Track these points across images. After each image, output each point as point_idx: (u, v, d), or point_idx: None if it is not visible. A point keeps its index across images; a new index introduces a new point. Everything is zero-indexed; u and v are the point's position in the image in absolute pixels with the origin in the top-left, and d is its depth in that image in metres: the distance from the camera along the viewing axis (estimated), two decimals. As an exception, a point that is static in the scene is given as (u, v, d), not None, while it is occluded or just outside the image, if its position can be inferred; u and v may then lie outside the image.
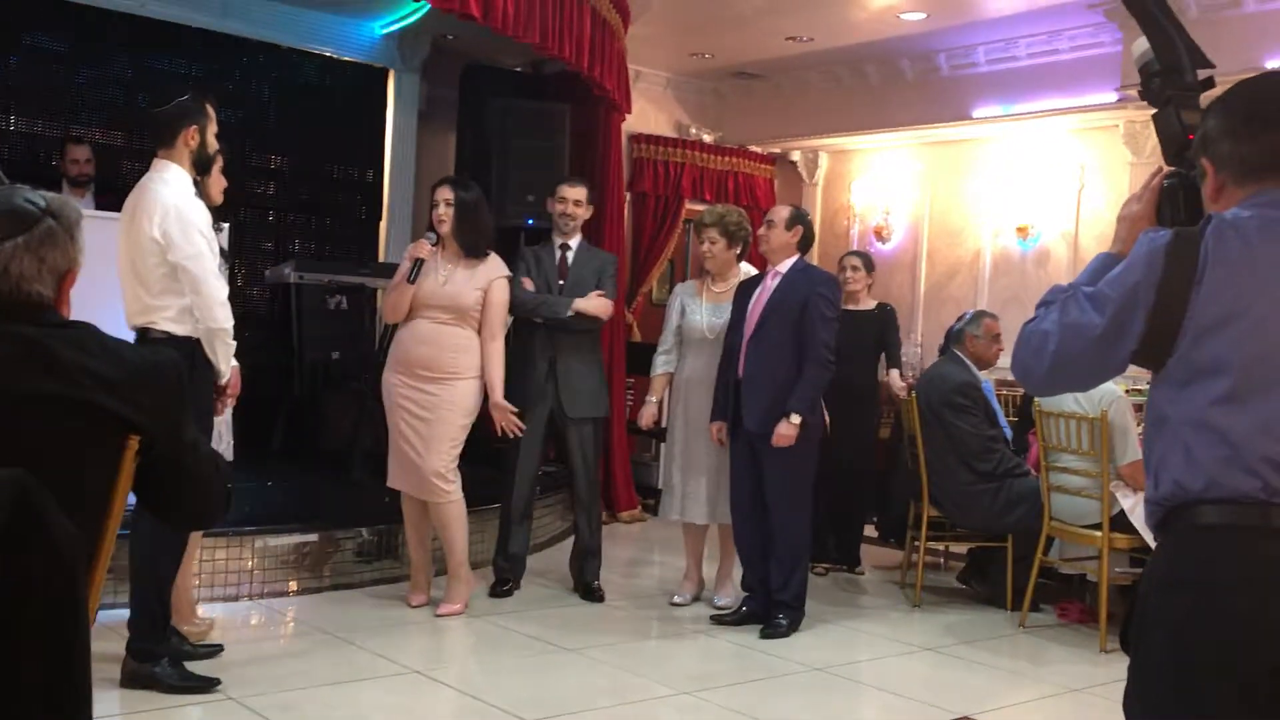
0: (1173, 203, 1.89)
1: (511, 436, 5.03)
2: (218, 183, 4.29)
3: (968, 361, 5.64)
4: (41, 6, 6.90)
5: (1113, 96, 7.37)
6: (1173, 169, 1.94)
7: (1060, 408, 5.09)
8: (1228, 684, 1.64)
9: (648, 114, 9.26)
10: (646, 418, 5.46)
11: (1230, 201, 1.78)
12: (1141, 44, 2.03)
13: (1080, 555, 5.30)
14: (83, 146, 6.68)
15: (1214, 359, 1.70)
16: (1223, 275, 1.69)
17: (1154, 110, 2.03)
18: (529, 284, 5.29)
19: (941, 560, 6.57)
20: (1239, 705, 1.64)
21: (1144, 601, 1.77)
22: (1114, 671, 4.59)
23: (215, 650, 4.17)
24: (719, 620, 5.07)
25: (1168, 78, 2.00)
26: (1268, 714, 1.63)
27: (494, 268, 4.97)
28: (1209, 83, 2.00)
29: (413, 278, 4.84)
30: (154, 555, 3.78)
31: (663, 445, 8.03)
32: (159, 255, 3.76)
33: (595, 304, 5.29)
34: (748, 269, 5.38)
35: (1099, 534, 4.95)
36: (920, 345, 8.47)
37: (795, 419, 4.74)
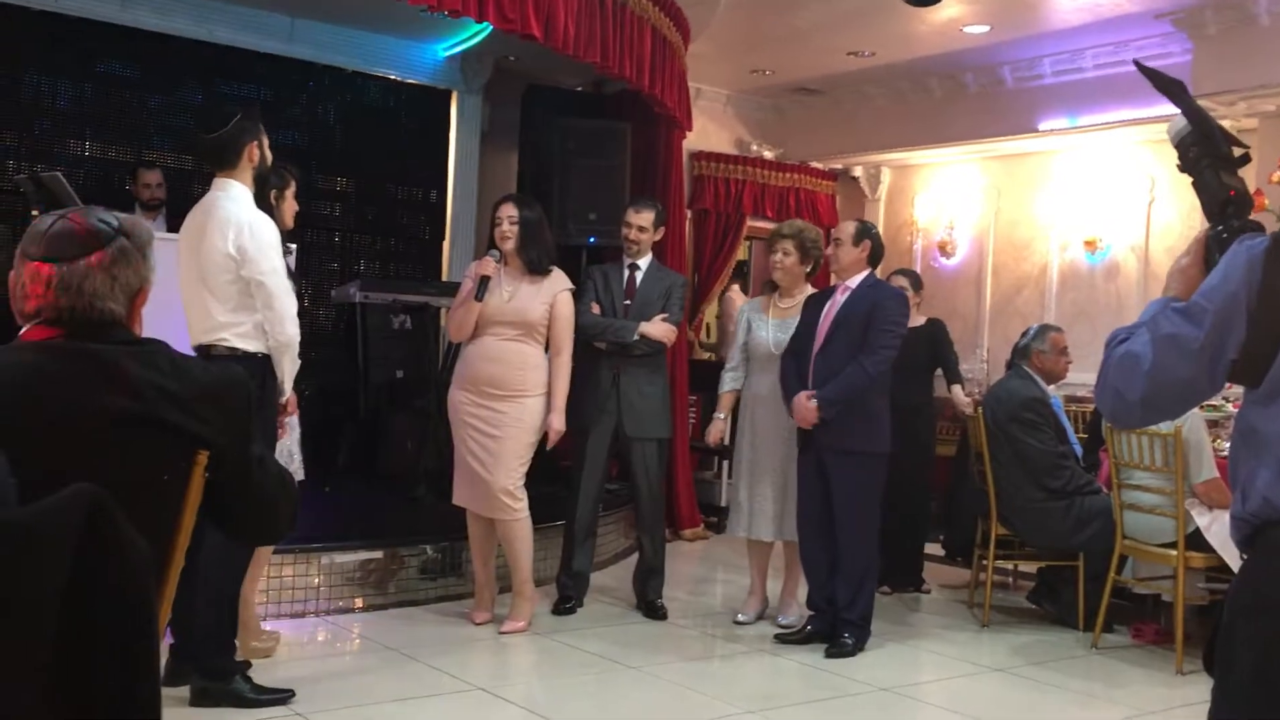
0: (1221, 248, 1.87)
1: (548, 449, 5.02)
2: (290, 207, 4.35)
3: (1035, 377, 5.55)
4: (112, 36, 7.08)
5: (1183, 107, 7.24)
6: (1218, 225, 1.94)
7: (1132, 423, 4.98)
8: None
9: (708, 131, 9.27)
10: (714, 435, 5.45)
11: None
12: (1178, 122, 2.06)
13: (1155, 574, 5.18)
14: (154, 171, 6.83)
15: None
16: None
17: (1193, 179, 2.04)
18: (595, 308, 5.31)
19: (1010, 579, 6.45)
20: None
21: (1230, 621, 1.71)
22: (1191, 694, 4.48)
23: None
24: (784, 639, 5.02)
25: (1203, 146, 2.01)
26: None
27: (558, 282, 4.99)
28: (1245, 159, 2.01)
29: (479, 295, 4.86)
30: (221, 570, 3.80)
31: (726, 462, 8.03)
32: (233, 271, 3.78)
33: (660, 329, 5.29)
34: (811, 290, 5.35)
35: (1174, 553, 4.83)
36: (986, 360, 8.37)
37: (813, 403, 4.74)
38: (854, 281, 4.98)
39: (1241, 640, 1.69)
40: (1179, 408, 1.85)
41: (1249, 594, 1.71)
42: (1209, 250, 1.91)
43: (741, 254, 9.69)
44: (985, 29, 7.54)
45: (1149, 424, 1.96)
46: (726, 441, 5.74)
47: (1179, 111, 2.04)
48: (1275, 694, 1.63)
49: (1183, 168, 2.07)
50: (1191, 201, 7.63)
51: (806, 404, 4.79)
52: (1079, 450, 5.71)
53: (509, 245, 4.92)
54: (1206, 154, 2.00)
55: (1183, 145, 2.05)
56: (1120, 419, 1.91)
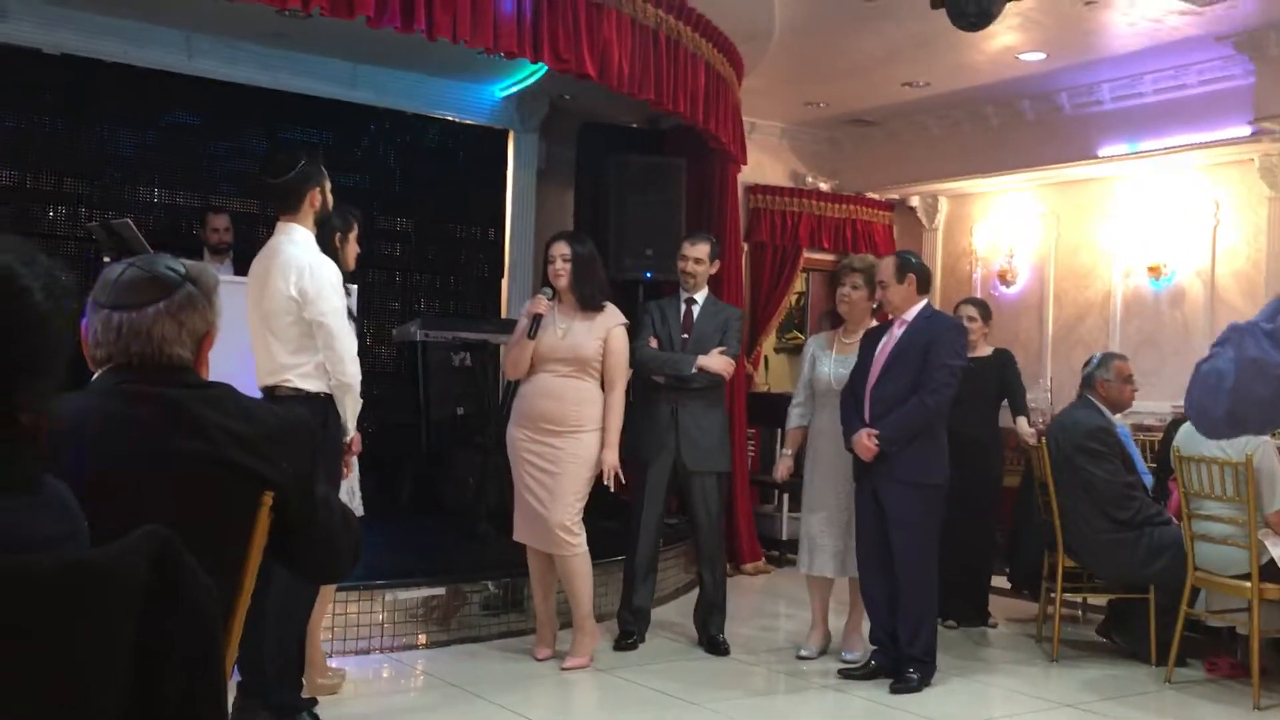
0: None
1: (611, 487, 5.02)
2: (353, 249, 4.43)
3: (1100, 406, 5.46)
4: (180, 85, 7.27)
5: (1246, 130, 7.13)
6: None
7: (1200, 452, 4.89)
8: None
9: (763, 164, 9.28)
10: (782, 471, 5.43)
11: None
12: None
13: (1228, 607, 5.06)
14: (222, 215, 6.98)
15: None
16: None
17: None
18: (653, 342, 5.33)
19: (1079, 612, 6.33)
20: None
21: None
22: (1270, 730, 4.36)
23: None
24: (848, 674, 4.97)
25: None
26: None
27: (611, 317, 5.02)
28: None
29: (532, 333, 4.91)
30: (288, 608, 3.84)
31: (786, 496, 7.98)
32: (295, 313, 3.85)
33: (718, 362, 5.29)
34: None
35: (1248, 584, 4.72)
36: (1050, 390, 8.25)
37: (873, 441, 4.71)
38: (910, 315, 4.94)
39: None
40: (1264, 426, 1.87)
41: None
42: None
43: (799, 286, 9.67)
44: (1041, 56, 7.49)
45: (1237, 436, 1.95)
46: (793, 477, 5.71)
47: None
48: None
49: None
50: (1257, 225, 7.54)
51: (867, 442, 4.76)
52: (1149, 480, 5.61)
53: (562, 282, 4.96)
54: None
55: None
56: (1207, 432, 1.96)
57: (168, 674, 1.23)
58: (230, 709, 3.80)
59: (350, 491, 4.35)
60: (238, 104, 7.50)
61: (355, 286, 4.71)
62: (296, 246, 3.91)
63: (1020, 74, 7.88)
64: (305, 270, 3.85)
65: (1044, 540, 5.61)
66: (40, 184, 7.11)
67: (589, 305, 4.97)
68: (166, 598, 1.19)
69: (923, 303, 4.99)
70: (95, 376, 1.95)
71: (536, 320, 4.92)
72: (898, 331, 4.93)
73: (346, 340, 3.90)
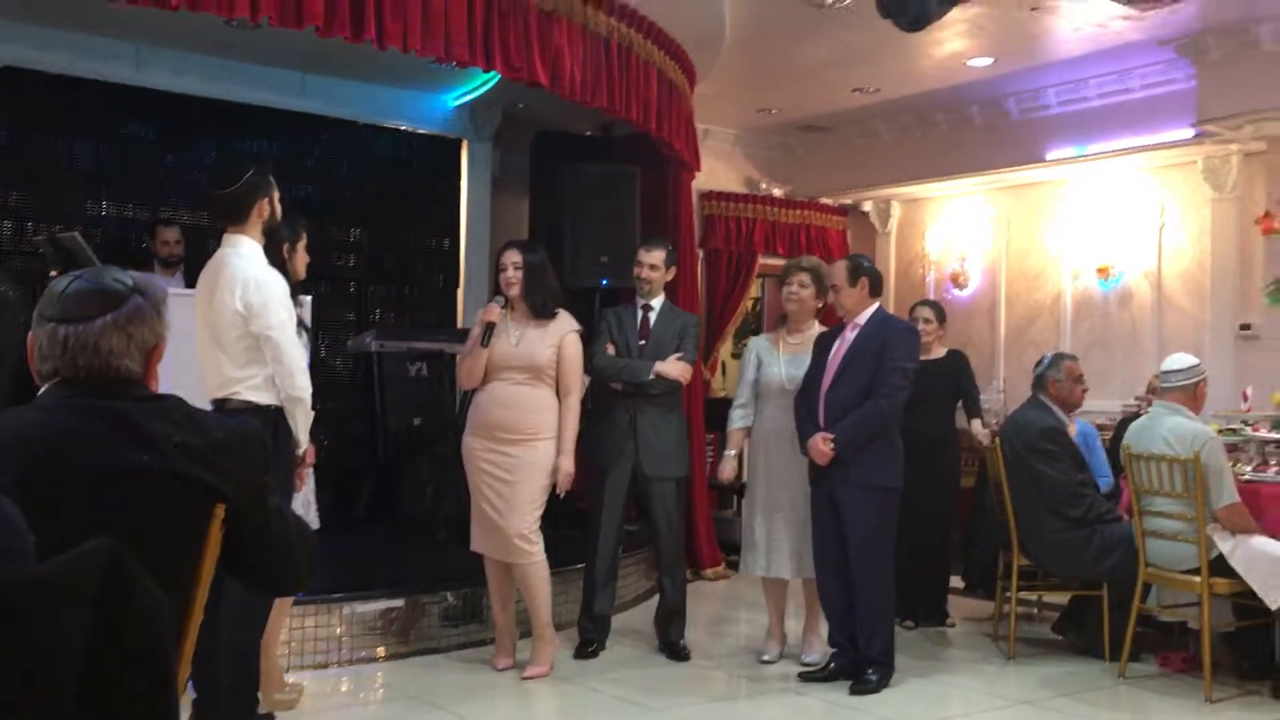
0: None
1: (560, 495, 5.02)
2: (302, 259, 4.40)
3: (1052, 406, 5.54)
4: (128, 97, 7.19)
5: (1189, 133, 7.26)
6: None
7: (1150, 450, 4.96)
8: None
9: (717, 171, 9.33)
10: (727, 472, 5.44)
11: None
12: None
13: (1179, 602, 5.14)
14: (172, 228, 6.91)
15: None
16: None
17: None
18: (610, 349, 5.34)
19: (1035, 610, 6.41)
20: None
21: None
22: (1221, 722, 4.43)
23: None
24: (807, 677, 4.99)
25: None
26: None
27: (564, 324, 5.02)
28: None
29: (485, 342, 4.91)
30: (241, 622, 3.80)
31: (743, 500, 8.01)
32: (241, 327, 3.83)
33: (675, 368, 5.30)
34: (819, 328, 5.36)
35: (1198, 579, 4.80)
36: (1003, 391, 8.35)
37: (828, 445, 4.75)
38: (862, 318, 4.98)
39: None
40: None
41: None
42: None
43: (754, 292, 9.72)
44: (989, 61, 7.59)
45: None
46: (742, 479, 5.73)
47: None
48: None
49: None
50: (1201, 226, 7.68)
51: (822, 446, 4.79)
52: (1109, 481, 5.67)
53: (514, 291, 4.96)
54: None
55: None
56: None
57: (119, 688, 1.21)
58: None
59: (305, 504, 4.32)
60: (187, 116, 7.42)
61: (309, 298, 4.68)
62: (242, 259, 3.88)
63: (968, 80, 7.98)
64: (250, 283, 3.82)
65: (998, 539, 5.68)
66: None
67: (541, 313, 4.97)
68: (116, 610, 1.18)
69: (875, 306, 5.03)
70: (41, 390, 1.94)
71: (489, 329, 4.91)
72: (850, 335, 4.97)
73: (295, 353, 3.88)
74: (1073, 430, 5.72)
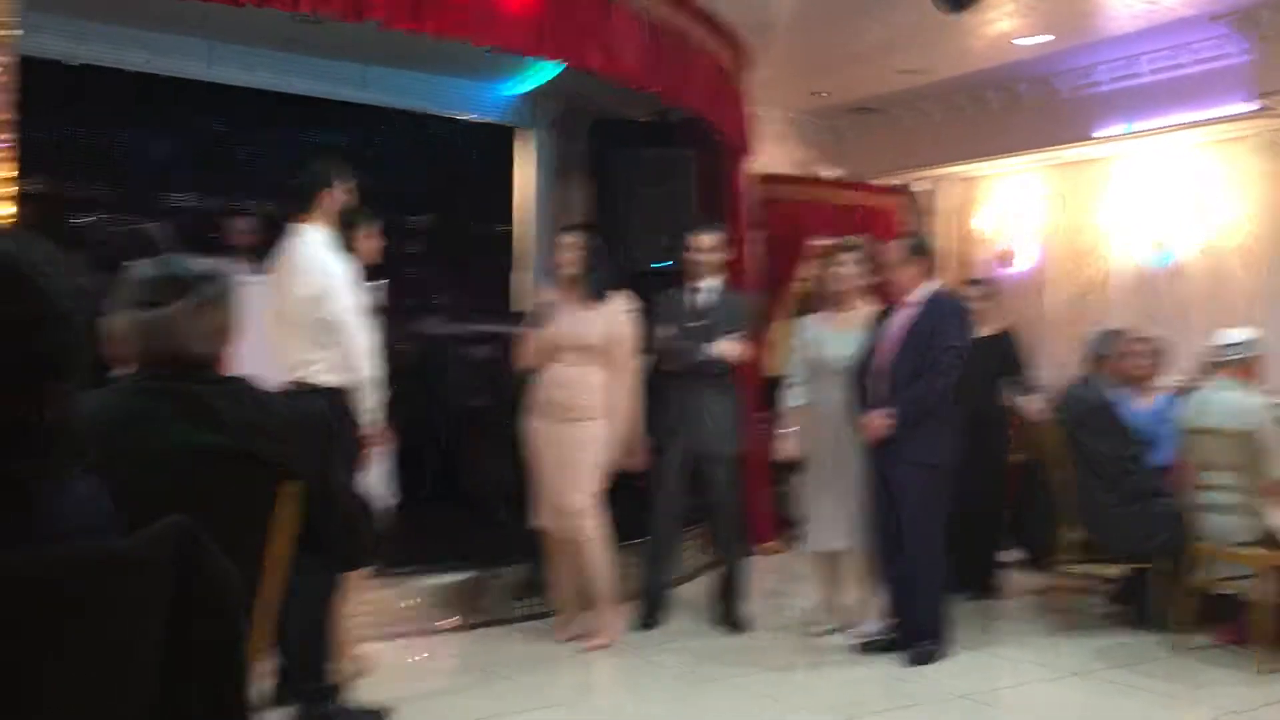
0: None
1: (627, 472, 5.15)
2: (371, 244, 4.57)
3: (1104, 381, 5.58)
4: (199, 91, 7.41)
5: (1244, 107, 7.23)
6: None
7: (1206, 424, 5.00)
8: None
9: (772, 154, 9.37)
10: (789, 449, 5.53)
11: None
12: None
13: (1233, 575, 5.18)
14: (244, 218, 7.11)
15: None
16: None
17: None
18: (666, 331, 5.45)
19: (1088, 584, 6.45)
20: None
21: None
22: (1272, 693, 4.50)
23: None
24: (864, 648, 5.11)
25: None
26: None
27: (619, 305, 5.14)
28: None
29: (542, 324, 5.06)
30: (315, 597, 3.94)
31: (798, 477, 8.08)
32: (309, 312, 4.01)
33: (729, 348, 5.40)
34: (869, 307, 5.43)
35: (1252, 552, 4.84)
36: (1053, 368, 8.36)
37: (882, 420, 4.82)
38: (917, 296, 5.05)
39: None
40: None
41: None
42: None
43: (807, 272, 9.76)
44: (1038, 40, 7.59)
45: None
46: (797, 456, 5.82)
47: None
48: None
49: None
50: (1256, 200, 7.62)
51: (877, 422, 4.88)
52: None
53: (570, 273, 5.10)
54: None
55: None
56: None
57: (193, 665, 1.22)
58: (274, 694, 3.95)
59: (384, 479, 4.47)
60: (257, 109, 7.62)
61: (386, 281, 4.82)
62: (308, 246, 4.07)
63: (1018, 59, 7.99)
64: (317, 269, 4.01)
65: (1051, 514, 5.73)
66: (70, 191, 7.25)
67: (597, 295, 5.11)
68: (190, 587, 1.21)
69: (930, 284, 5.09)
70: (117, 374, 2.04)
71: (545, 310, 5.06)
72: (905, 314, 5.04)
73: (360, 336, 4.04)
74: (1147, 404, 5.72)
